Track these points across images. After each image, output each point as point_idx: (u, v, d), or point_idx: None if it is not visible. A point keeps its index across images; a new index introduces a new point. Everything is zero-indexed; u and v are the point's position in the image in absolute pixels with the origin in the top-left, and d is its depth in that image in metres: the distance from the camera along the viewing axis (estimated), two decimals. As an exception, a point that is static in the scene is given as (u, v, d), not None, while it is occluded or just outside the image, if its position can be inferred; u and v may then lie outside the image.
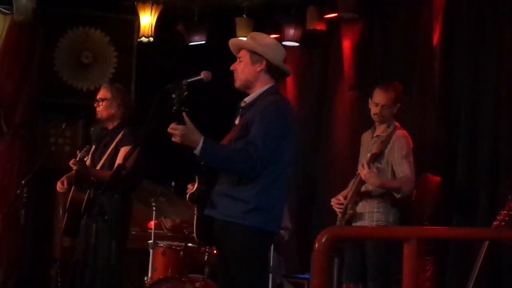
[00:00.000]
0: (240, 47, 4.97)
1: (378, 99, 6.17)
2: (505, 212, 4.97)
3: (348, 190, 6.26)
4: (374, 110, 6.18)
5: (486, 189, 6.18)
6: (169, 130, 4.63)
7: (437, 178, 6.56)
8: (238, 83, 4.95)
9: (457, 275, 6.17)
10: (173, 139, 4.66)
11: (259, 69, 4.91)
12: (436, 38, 6.74)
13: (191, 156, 4.77)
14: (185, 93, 4.59)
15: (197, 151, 4.64)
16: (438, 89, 6.72)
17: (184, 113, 4.60)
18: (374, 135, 6.24)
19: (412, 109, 6.96)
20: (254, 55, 4.91)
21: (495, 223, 5.01)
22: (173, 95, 4.59)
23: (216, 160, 4.75)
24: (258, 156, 4.70)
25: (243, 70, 4.92)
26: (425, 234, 3.58)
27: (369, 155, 6.10)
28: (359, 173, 6.06)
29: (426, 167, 6.65)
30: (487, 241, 4.95)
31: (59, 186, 6.31)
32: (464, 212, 6.32)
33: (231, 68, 4.96)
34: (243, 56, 4.94)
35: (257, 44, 4.93)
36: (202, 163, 4.80)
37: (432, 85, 6.77)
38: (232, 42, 5.05)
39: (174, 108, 4.58)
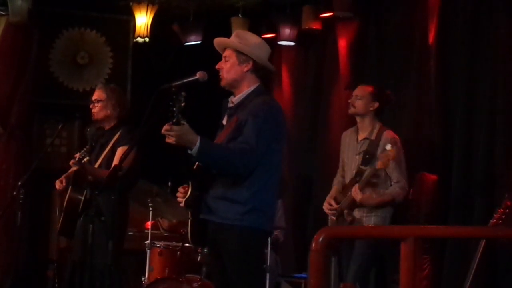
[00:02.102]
0: (226, 47, 4.96)
1: (355, 91, 6.33)
2: (501, 210, 4.99)
3: (336, 190, 6.34)
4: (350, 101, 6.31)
5: (483, 188, 6.18)
6: (163, 131, 4.61)
7: (434, 177, 6.57)
8: (224, 82, 4.95)
9: (454, 273, 6.18)
10: (167, 140, 4.64)
11: (246, 69, 4.91)
12: (431, 37, 6.74)
13: (185, 161, 4.77)
14: (183, 104, 4.57)
15: (193, 151, 4.63)
16: (433, 88, 6.72)
17: (181, 115, 4.59)
18: (360, 137, 6.29)
19: (408, 108, 6.97)
20: (240, 55, 4.91)
21: (491, 221, 5.02)
22: (174, 108, 4.57)
23: (212, 159, 4.75)
24: (252, 153, 4.72)
25: (229, 70, 4.91)
26: (422, 233, 3.58)
27: (357, 157, 6.17)
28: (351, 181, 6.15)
29: (422, 166, 6.65)
30: (484, 240, 4.96)
31: (58, 184, 6.30)
32: (461, 210, 6.33)
33: (216, 67, 4.95)
34: (229, 55, 4.92)
35: (243, 44, 4.92)
36: (197, 163, 4.80)
37: (428, 84, 6.78)
38: (217, 41, 5.03)
39: (174, 120, 4.56)
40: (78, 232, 6.22)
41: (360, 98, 6.28)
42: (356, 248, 6.15)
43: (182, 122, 4.56)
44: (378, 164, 5.93)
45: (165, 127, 4.59)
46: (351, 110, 6.33)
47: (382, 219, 6.16)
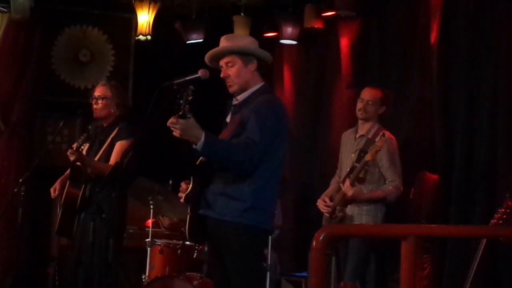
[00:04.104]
0: (228, 53, 4.92)
1: (364, 95, 6.33)
2: (503, 210, 4.98)
3: (332, 189, 6.35)
4: (359, 106, 6.33)
5: (484, 187, 6.18)
6: (168, 124, 4.59)
7: (435, 176, 6.57)
8: (235, 88, 4.92)
9: (454, 273, 6.17)
10: (173, 133, 4.63)
11: (252, 69, 4.92)
12: (433, 36, 6.73)
13: (186, 156, 4.76)
14: (191, 98, 4.56)
15: (198, 146, 4.61)
16: (435, 87, 6.72)
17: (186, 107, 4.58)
18: (358, 135, 6.32)
19: (410, 107, 6.97)
20: (244, 57, 4.90)
21: (492, 221, 5.02)
22: (181, 101, 4.55)
23: (217, 154, 4.74)
24: (256, 148, 4.71)
25: (238, 74, 4.89)
26: (423, 232, 3.58)
27: (353, 155, 6.18)
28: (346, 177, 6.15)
29: (423, 165, 6.65)
30: (485, 239, 4.95)
31: (52, 193, 6.30)
32: (462, 210, 6.32)
33: (222, 76, 4.92)
34: (233, 60, 4.90)
35: (243, 44, 4.92)
36: (200, 158, 4.79)
37: (430, 83, 6.77)
38: (214, 52, 4.96)
39: (180, 113, 4.56)
40: (79, 229, 6.21)
41: (373, 104, 6.28)
42: (350, 247, 6.18)
43: (188, 115, 4.56)
44: (367, 157, 5.99)
45: (171, 119, 4.57)
46: (363, 115, 6.30)
47: (373, 218, 6.19)
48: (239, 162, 4.73)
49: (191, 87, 4.57)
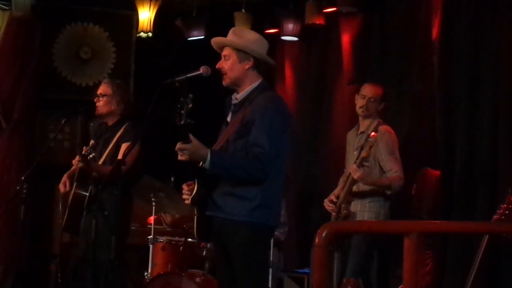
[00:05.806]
0: (225, 45, 4.94)
1: (366, 92, 6.29)
2: (505, 206, 4.98)
3: (340, 189, 6.34)
4: (360, 103, 6.30)
5: (486, 183, 6.18)
6: (177, 150, 4.65)
7: (437, 172, 6.57)
8: (227, 81, 4.94)
9: (456, 269, 6.18)
10: (180, 157, 4.67)
11: (247, 66, 4.90)
12: (435, 32, 6.73)
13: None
14: (190, 106, 4.57)
15: (206, 165, 4.67)
16: (436, 83, 6.72)
17: (187, 129, 4.59)
18: (359, 132, 6.32)
19: (411, 103, 6.97)
20: (240, 53, 4.89)
21: (495, 217, 5.02)
22: (182, 111, 4.55)
23: (227, 170, 4.76)
24: (267, 157, 4.72)
25: (231, 68, 4.89)
26: (426, 228, 3.58)
27: (355, 153, 6.17)
28: (350, 173, 6.11)
29: (425, 162, 6.65)
30: (487, 235, 4.95)
31: (61, 188, 6.28)
32: (464, 206, 6.32)
33: (217, 66, 4.93)
34: (229, 54, 4.91)
35: (242, 42, 4.91)
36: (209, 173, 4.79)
37: (431, 80, 6.77)
38: (215, 40, 5.00)
39: (182, 122, 4.56)
40: (82, 227, 6.22)
41: (374, 101, 6.26)
42: (352, 243, 6.17)
43: (190, 121, 4.56)
44: (362, 153, 5.98)
45: (178, 145, 4.62)
46: (365, 113, 6.28)
47: (376, 214, 6.17)
48: (250, 175, 4.75)
49: (191, 95, 4.57)
